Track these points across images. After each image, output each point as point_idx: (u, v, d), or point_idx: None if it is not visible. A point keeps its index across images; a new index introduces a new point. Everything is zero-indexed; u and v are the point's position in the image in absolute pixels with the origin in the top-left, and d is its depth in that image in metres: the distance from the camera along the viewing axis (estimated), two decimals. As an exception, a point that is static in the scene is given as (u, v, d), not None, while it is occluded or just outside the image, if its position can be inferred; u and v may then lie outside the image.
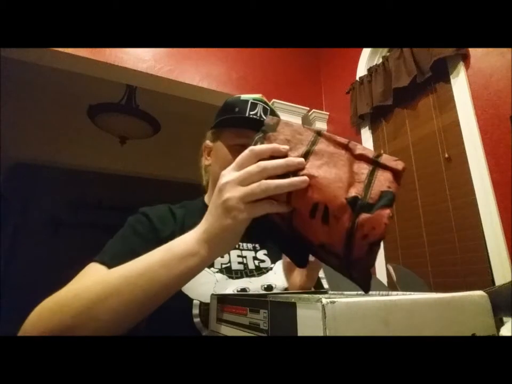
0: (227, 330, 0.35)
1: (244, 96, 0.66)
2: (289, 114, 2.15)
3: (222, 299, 0.40)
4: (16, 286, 2.98)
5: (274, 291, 0.57)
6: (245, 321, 0.30)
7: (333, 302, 0.21)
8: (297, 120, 2.18)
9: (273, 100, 2.09)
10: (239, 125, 0.63)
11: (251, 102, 0.64)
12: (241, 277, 0.58)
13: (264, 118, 0.63)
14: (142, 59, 1.82)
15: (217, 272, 0.56)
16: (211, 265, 0.56)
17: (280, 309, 0.25)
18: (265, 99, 0.67)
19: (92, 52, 1.68)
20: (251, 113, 0.63)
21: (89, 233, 3.46)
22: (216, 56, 2.05)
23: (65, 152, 3.10)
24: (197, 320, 0.50)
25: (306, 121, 2.24)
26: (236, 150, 0.62)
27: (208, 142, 0.70)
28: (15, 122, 2.79)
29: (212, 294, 0.44)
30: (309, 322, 0.21)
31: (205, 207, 0.67)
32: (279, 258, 0.64)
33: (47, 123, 2.97)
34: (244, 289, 0.55)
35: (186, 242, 0.38)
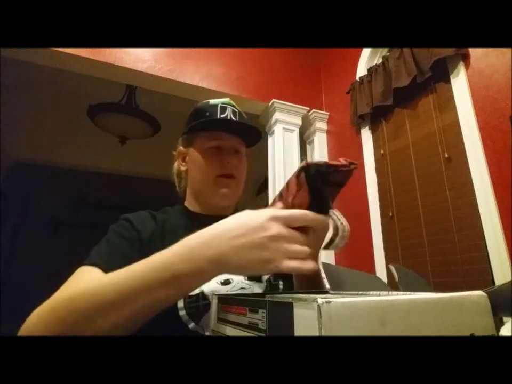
0: (227, 330, 0.35)
1: (213, 101, 0.69)
2: (289, 114, 2.15)
3: (223, 299, 0.40)
4: (16, 286, 2.98)
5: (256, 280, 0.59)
6: (245, 321, 0.30)
7: (328, 302, 0.21)
8: (297, 120, 2.18)
9: (273, 99, 2.09)
10: (211, 127, 0.66)
11: (220, 106, 0.67)
12: None
13: (234, 119, 0.67)
14: (142, 59, 1.82)
15: None
16: None
17: (278, 308, 0.25)
18: (233, 102, 0.71)
19: (92, 51, 1.68)
20: (222, 116, 0.66)
21: (89, 233, 3.46)
22: (216, 56, 2.05)
23: (65, 152, 3.10)
24: (182, 313, 0.51)
25: (306, 121, 2.24)
26: (210, 153, 0.65)
27: (182, 148, 0.72)
28: (15, 122, 2.79)
29: (213, 294, 0.45)
30: (305, 322, 0.21)
31: (185, 211, 0.69)
32: None
33: (47, 123, 2.97)
34: (227, 280, 0.56)
35: (191, 260, 0.35)
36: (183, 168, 0.71)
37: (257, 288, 0.57)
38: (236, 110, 0.69)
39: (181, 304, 0.51)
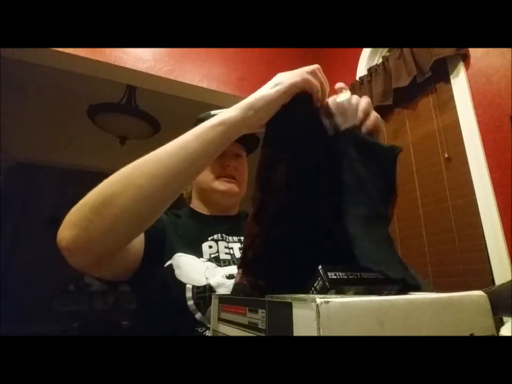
0: (227, 330, 0.35)
1: (214, 112, 0.75)
2: (289, 114, 2.14)
3: (223, 299, 0.40)
4: (16, 286, 2.98)
5: None
6: (244, 320, 0.30)
7: (327, 302, 0.20)
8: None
9: (273, 99, 2.09)
10: None
11: None
12: (229, 265, 0.62)
13: None
14: (142, 59, 1.82)
15: (206, 261, 0.61)
16: (201, 255, 0.62)
17: (277, 308, 0.25)
18: None
19: (92, 51, 1.68)
20: None
21: (89, 233, 3.45)
22: (216, 56, 2.05)
23: (65, 152, 3.09)
24: (190, 302, 0.53)
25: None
26: None
27: None
28: (15, 122, 2.79)
29: (214, 294, 0.46)
30: (303, 322, 0.21)
31: (192, 211, 0.74)
32: None
33: (47, 123, 2.97)
34: (231, 275, 0.58)
35: (220, 114, 0.45)
36: None
37: None
38: None
39: (189, 294, 0.54)
